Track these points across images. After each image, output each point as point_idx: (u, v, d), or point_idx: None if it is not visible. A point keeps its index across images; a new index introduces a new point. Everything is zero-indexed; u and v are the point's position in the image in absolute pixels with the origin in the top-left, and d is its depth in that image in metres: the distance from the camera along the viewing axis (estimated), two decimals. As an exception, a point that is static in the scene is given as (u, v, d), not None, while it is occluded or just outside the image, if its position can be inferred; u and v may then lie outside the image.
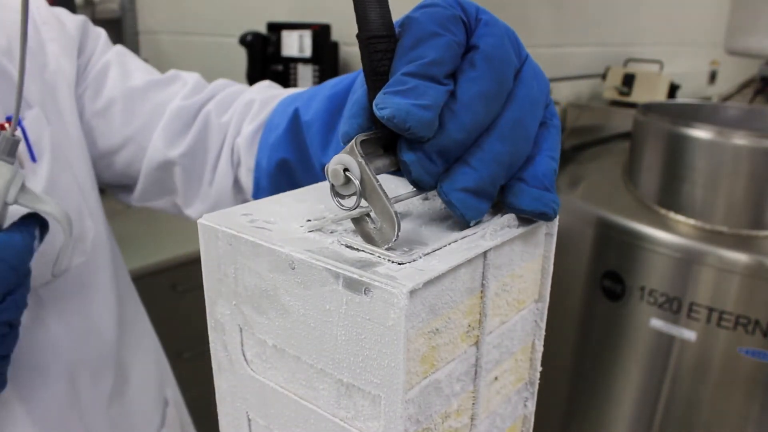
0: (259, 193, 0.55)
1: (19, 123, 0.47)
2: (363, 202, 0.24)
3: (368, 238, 0.24)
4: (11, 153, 0.38)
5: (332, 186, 0.25)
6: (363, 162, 0.24)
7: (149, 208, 0.65)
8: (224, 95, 0.60)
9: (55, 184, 0.49)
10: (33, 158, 0.48)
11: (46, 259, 0.46)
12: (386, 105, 0.24)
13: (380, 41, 0.25)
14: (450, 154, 0.25)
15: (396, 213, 0.23)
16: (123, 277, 0.63)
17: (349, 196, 0.25)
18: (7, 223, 0.41)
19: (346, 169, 0.24)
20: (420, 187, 0.26)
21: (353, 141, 0.24)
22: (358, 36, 0.25)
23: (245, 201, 0.58)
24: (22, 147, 0.47)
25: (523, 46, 0.28)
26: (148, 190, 0.61)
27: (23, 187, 0.40)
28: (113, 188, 0.65)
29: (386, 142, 0.26)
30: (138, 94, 0.58)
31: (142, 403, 0.63)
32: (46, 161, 0.49)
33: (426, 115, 0.23)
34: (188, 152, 0.58)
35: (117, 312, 0.58)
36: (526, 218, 0.27)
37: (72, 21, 0.58)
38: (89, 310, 0.55)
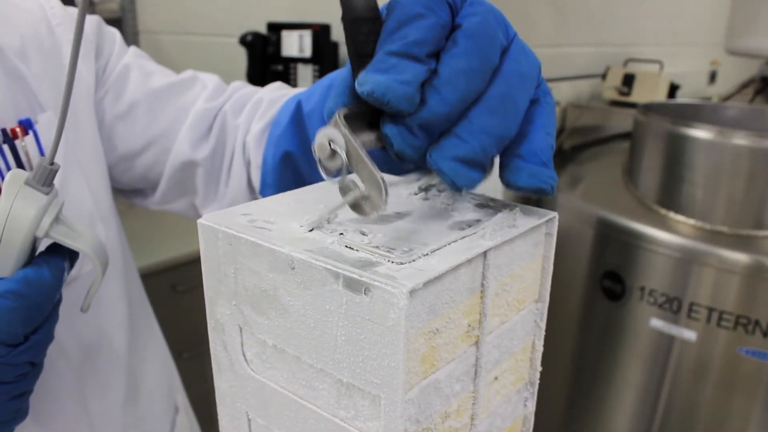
0: (265, 189, 0.55)
1: (31, 126, 0.47)
2: (354, 186, 0.25)
3: (359, 210, 0.25)
4: (47, 182, 0.35)
5: (319, 160, 0.25)
6: (347, 132, 0.24)
7: (149, 209, 0.65)
8: (238, 96, 0.60)
9: (65, 188, 0.49)
10: None
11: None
12: (366, 81, 0.24)
13: (364, 23, 0.26)
14: (433, 128, 0.25)
15: (382, 178, 0.24)
16: (134, 282, 0.62)
17: (337, 169, 0.25)
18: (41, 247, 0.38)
19: (331, 141, 0.25)
20: (403, 160, 0.26)
21: (336, 114, 0.25)
22: (342, 18, 0.26)
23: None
24: (33, 151, 0.47)
25: (510, 26, 0.29)
26: (169, 191, 0.60)
27: (58, 218, 0.36)
28: (128, 193, 0.64)
29: (371, 119, 0.27)
30: (160, 96, 0.58)
31: (153, 411, 0.62)
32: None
33: (405, 90, 0.24)
34: (211, 154, 0.58)
35: (128, 319, 0.57)
36: (527, 217, 0.27)
37: (87, 22, 0.56)
38: (99, 318, 0.54)
